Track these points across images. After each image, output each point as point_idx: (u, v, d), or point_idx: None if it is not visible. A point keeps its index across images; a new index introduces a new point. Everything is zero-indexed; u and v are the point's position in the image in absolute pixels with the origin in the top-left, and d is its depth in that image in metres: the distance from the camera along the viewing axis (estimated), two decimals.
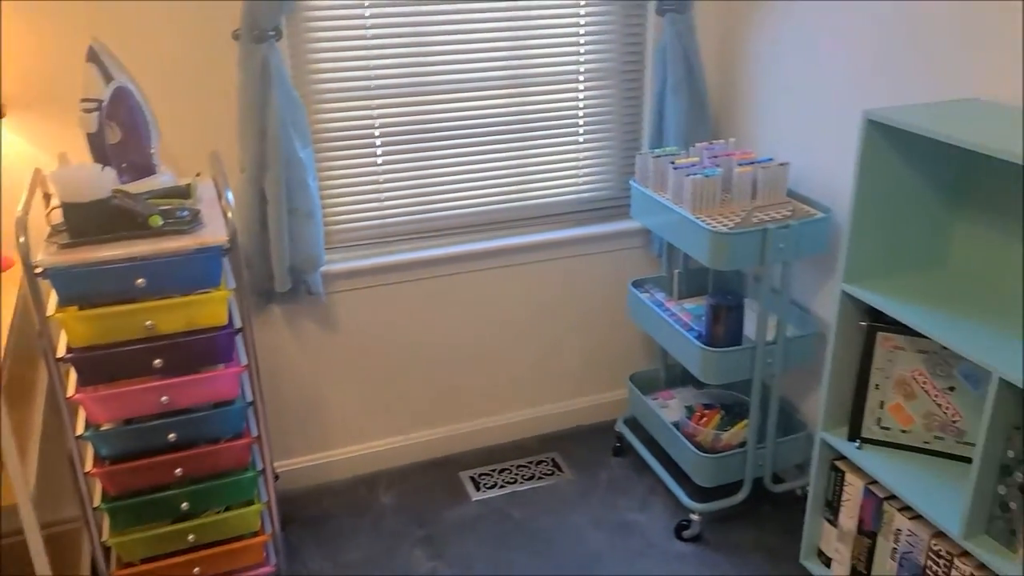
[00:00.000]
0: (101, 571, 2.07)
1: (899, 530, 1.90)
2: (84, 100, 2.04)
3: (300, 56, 2.40)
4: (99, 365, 1.89)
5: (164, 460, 1.99)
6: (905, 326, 1.85)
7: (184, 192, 2.03)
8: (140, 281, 1.85)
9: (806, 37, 2.39)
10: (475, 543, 2.52)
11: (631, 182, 2.55)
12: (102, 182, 1.84)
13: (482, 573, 2.40)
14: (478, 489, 2.76)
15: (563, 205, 2.81)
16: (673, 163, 2.38)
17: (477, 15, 2.50)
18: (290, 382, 2.66)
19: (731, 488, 2.50)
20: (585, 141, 2.76)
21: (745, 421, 2.50)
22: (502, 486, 2.77)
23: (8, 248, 2.12)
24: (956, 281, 1.93)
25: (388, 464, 2.87)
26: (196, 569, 2.11)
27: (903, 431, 1.96)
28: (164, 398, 1.94)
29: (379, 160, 2.57)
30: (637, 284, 2.72)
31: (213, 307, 1.93)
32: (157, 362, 1.91)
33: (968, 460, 1.90)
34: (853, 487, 2.02)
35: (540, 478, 2.80)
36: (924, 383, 1.90)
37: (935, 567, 1.82)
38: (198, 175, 2.29)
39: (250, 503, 2.14)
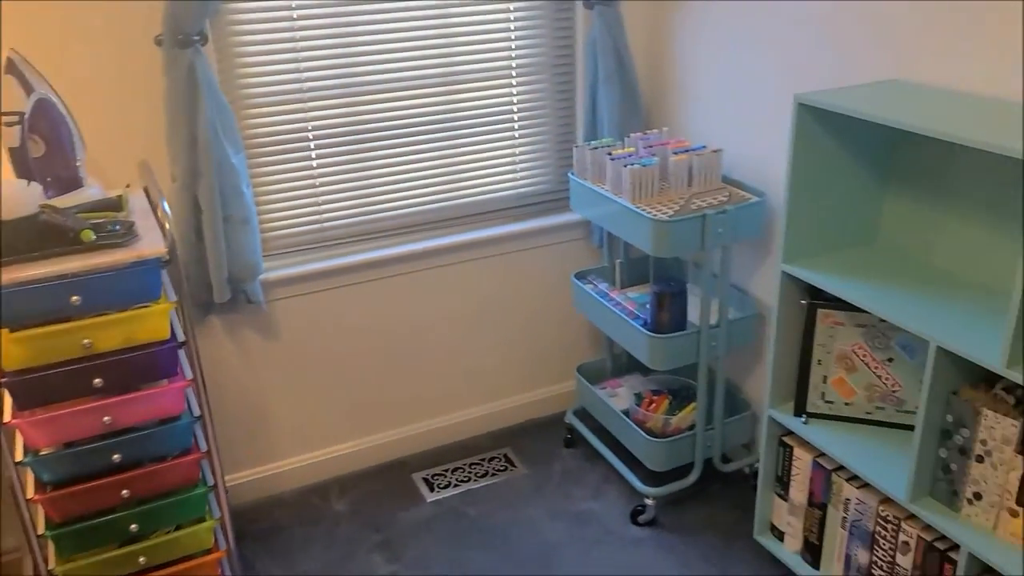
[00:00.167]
0: None
1: (848, 499, 1.97)
2: (4, 114, 1.95)
3: (227, 60, 2.34)
4: (35, 388, 1.81)
5: (110, 482, 1.92)
6: (843, 302, 1.92)
7: (115, 204, 1.96)
8: (75, 299, 1.78)
9: (731, 27, 2.44)
10: (433, 544, 2.51)
11: (569, 175, 2.57)
12: (28, 198, 1.77)
13: (441, 573, 2.39)
14: (432, 490, 2.74)
15: (502, 201, 2.82)
16: (610, 154, 2.41)
17: (407, 13, 2.49)
18: (233, 394, 2.60)
19: (682, 471, 2.55)
20: (520, 136, 2.77)
21: (693, 404, 2.55)
22: (456, 485, 2.76)
23: None
24: (887, 256, 2.01)
25: (339, 471, 2.83)
26: None
27: (846, 403, 2.03)
28: (107, 418, 1.87)
29: (314, 163, 2.53)
30: (580, 276, 2.74)
31: (154, 321, 1.87)
32: (97, 381, 1.84)
33: (909, 428, 1.98)
34: (802, 461, 2.08)
35: (493, 474, 2.81)
36: (864, 356, 1.97)
37: (884, 532, 1.89)
38: (128, 186, 2.21)
39: (202, 520, 2.09)
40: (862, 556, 1.97)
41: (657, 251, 2.21)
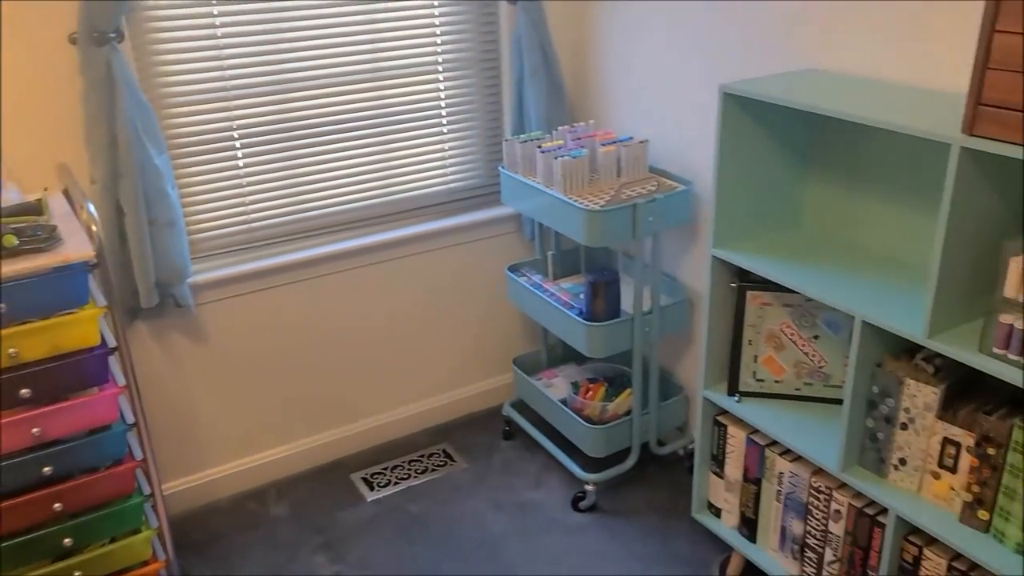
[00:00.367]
0: None
1: (781, 473, 2.05)
2: None
3: (146, 58, 2.28)
4: None
5: (41, 496, 1.84)
6: (771, 283, 1.99)
7: (36, 208, 1.89)
8: None
9: (653, 22, 2.50)
10: (376, 542, 2.49)
11: (500, 168, 2.59)
12: None
13: (387, 570, 2.38)
14: (372, 489, 2.73)
15: (433, 197, 2.82)
16: (540, 147, 2.44)
17: (332, 9, 2.46)
18: (163, 401, 2.53)
19: (620, 456, 2.60)
20: (449, 132, 2.78)
21: (629, 390, 2.61)
22: (396, 483, 2.75)
23: None
24: (811, 237, 2.10)
25: (276, 475, 2.79)
26: None
27: (776, 381, 2.11)
28: (35, 430, 1.80)
29: (241, 162, 2.48)
30: (513, 269, 2.77)
31: (82, 327, 1.81)
32: (24, 392, 1.77)
33: (836, 401, 2.07)
34: (736, 439, 2.15)
35: (433, 470, 2.81)
36: (792, 334, 2.05)
37: (816, 502, 1.97)
38: (46, 189, 2.13)
39: (138, 531, 2.03)
40: (796, 527, 2.05)
41: (591, 241, 2.25)
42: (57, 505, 1.87)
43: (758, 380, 2.12)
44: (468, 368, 3.05)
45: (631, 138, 2.49)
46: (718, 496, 2.27)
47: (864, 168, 1.98)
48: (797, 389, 2.10)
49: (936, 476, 1.73)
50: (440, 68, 2.70)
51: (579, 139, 2.50)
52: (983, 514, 1.65)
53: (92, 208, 1.85)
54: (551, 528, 2.52)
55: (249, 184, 2.51)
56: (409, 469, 2.82)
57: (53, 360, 1.80)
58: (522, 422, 2.85)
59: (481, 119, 2.83)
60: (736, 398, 2.13)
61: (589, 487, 2.57)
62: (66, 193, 2.09)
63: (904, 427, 1.76)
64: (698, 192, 2.49)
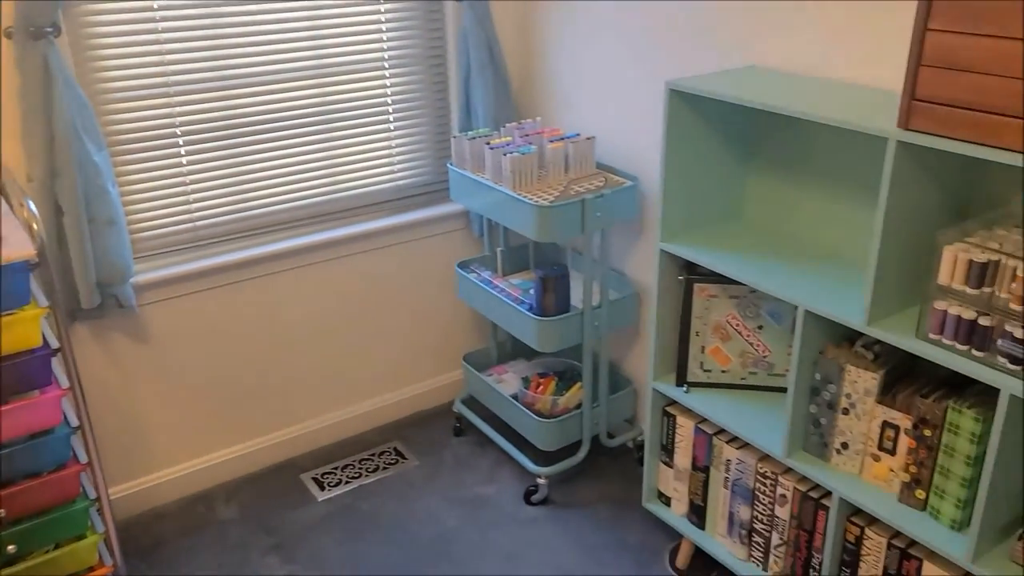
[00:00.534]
0: None
1: (729, 460, 2.10)
2: None
3: (83, 53, 2.22)
4: None
5: None
6: (717, 275, 2.04)
7: None
8: None
9: (598, 21, 2.54)
10: (328, 542, 2.48)
11: (448, 165, 2.60)
12: None
13: (340, 568, 2.37)
14: (323, 489, 2.71)
15: (381, 194, 2.81)
16: (488, 144, 2.45)
17: (275, 4, 2.44)
18: (105, 404, 2.47)
19: (571, 449, 2.63)
20: (396, 128, 2.77)
21: (579, 384, 2.64)
22: (347, 482, 2.74)
23: None
24: (754, 230, 2.16)
25: (223, 478, 2.74)
26: None
27: (723, 371, 2.16)
28: None
29: (184, 160, 2.44)
30: (462, 265, 2.78)
31: (23, 329, 1.76)
32: None
33: (780, 389, 2.13)
34: (685, 428, 2.20)
35: (384, 468, 2.80)
36: (737, 325, 2.11)
37: (763, 487, 2.03)
38: None
39: (83, 537, 1.98)
40: (744, 512, 2.10)
41: (540, 236, 2.28)
42: (0, 511, 1.82)
43: (705, 371, 2.17)
44: (418, 366, 3.05)
45: (578, 135, 2.52)
46: (668, 485, 2.31)
47: (804, 162, 2.04)
48: (743, 378, 2.16)
49: (876, 458, 1.80)
50: (386, 65, 2.69)
51: (527, 136, 2.52)
52: (920, 493, 1.72)
53: (32, 206, 1.80)
54: (504, 522, 2.54)
55: (192, 182, 2.47)
56: (360, 468, 2.80)
57: None
58: (473, 418, 2.86)
59: (428, 116, 2.83)
60: (684, 389, 2.18)
61: (541, 480, 2.59)
62: (2, 191, 2.03)
63: (845, 412, 1.82)
64: (644, 188, 2.53)
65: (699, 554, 2.35)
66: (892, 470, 1.78)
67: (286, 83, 2.53)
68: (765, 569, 2.10)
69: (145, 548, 2.46)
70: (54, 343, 1.84)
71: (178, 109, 2.38)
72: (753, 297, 2.08)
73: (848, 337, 1.86)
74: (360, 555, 2.42)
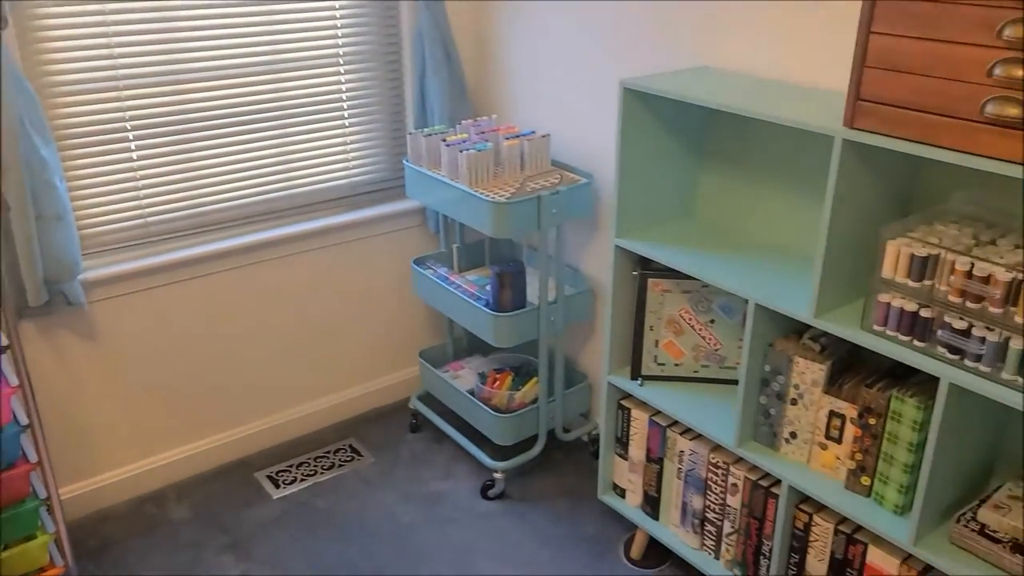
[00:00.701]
0: None
1: (682, 451, 2.15)
2: None
3: (30, 45, 2.18)
4: None
5: None
6: (671, 270, 2.09)
7: None
8: None
9: (552, 20, 2.57)
10: (284, 539, 2.46)
11: (404, 162, 2.60)
12: None
13: (296, 566, 2.36)
14: (278, 487, 2.69)
15: (336, 190, 2.80)
16: (444, 140, 2.46)
17: None
18: (53, 403, 2.42)
19: (527, 443, 2.66)
20: (351, 125, 2.77)
21: (535, 379, 2.67)
22: (302, 480, 2.72)
23: None
24: (706, 226, 2.21)
25: (175, 477, 2.71)
26: None
27: (676, 364, 2.21)
28: None
29: (134, 155, 2.40)
30: (418, 262, 2.78)
31: None
32: None
33: (731, 382, 2.19)
34: (639, 421, 2.24)
35: (340, 465, 2.79)
36: (690, 319, 2.15)
37: (715, 477, 2.08)
38: None
39: (34, 537, 1.94)
40: (696, 502, 2.15)
41: (497, 232, 2.30)
42: None
43: (659, 364, 2.22)
44: (374, 362, 3.05)
45: (534, 132, 2.55)
46: (622, 477, 2.35)
47: (754, 160, 2.10)
48: (696, 371, 2.21)
49: (823, 447, 1.86)
50: (342, 61, 2.68)
51: (483, 133, 2.54)
52: (865, 480, 1.78)
53: None
54: (461, 517, 2.55)
55: (143, 177, 2.44)
56: (315, 465, 2.79)
57: None
58: (429, 414, 2.86)
59: (384, 113, 2.83)
60: (639, 382, 2.22)
61: (497, 475, 2.61)
62: None
63: (794, 402, 1.88)
64: (599, 185, 2.57)
65: (653, 544, 2.40)
66: (838, 458, 1.84)
67: (240, 78, 2.51)
68: (717, 557, 2.15)
69: (95, 549, 2.42)
70: (2, 340, 1.81)
71: (128, 103, 2.35)
72: (705, 292, 2.12)
73: (796, 330, 1.92)
74: (316, 552, 2.42)
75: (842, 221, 1.66)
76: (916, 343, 1.58)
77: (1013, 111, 1.31)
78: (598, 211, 2.61)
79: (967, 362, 1.51)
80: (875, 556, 1.77)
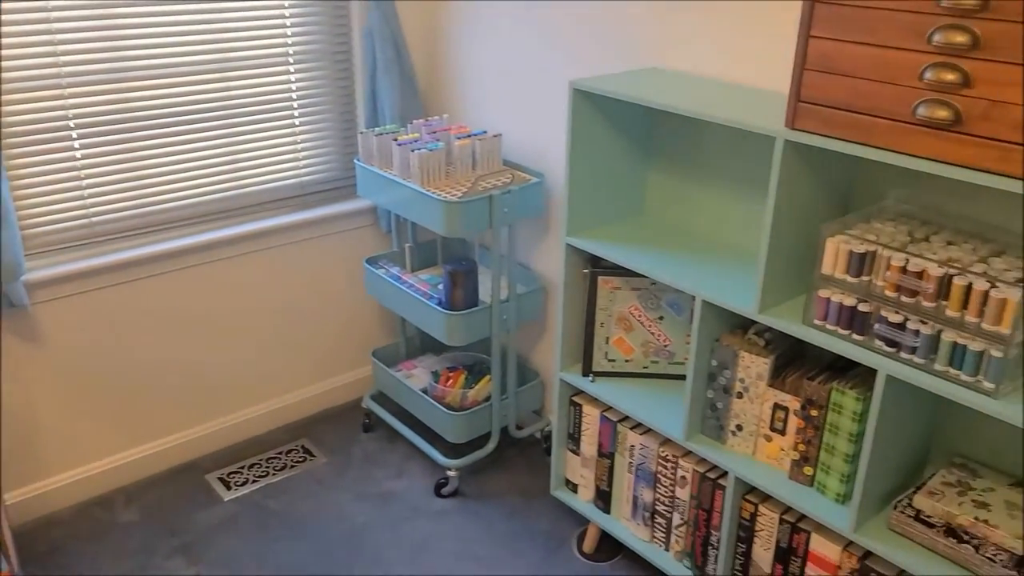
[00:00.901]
0: None
1: (632, 446, 2.19)
2: None
3: None
4: None
5: None
6: (620, 268, 2.13)
7: None
8: None
9: (503, 20, 2.59)
10: (236, 541, 2.44)
11: (355, 161, 2.60)
12: None
13: (248, 568, 2.34)
14: (229, 488, 2.66)
15: (285, 190, 2.79)
16: (396, 140, 2.47)
17: None
18: None
19: (480, 441, 2.68)
20: (301, 124, 2.76)
21: (487, 377, 2.69)
22: (254, 481, 2.70)
23: None
24: (654, 225, 2.25)
25: (123, 481, 2.67)
26: None
27: (626, 360, 2.25)
28: None
29: (78, 154, 2.36)
30: (371, 261, 2.78)
31: None
32: None
33: (679, 377, 2.23)
34: (591, 416, 2.28)
35: (292, 466, 2.78)
36: (639, 316, 2.19)
37: (664, 470, 2.12)
38: None
39: None
40: (647, 495, 2.20)
41: (449, 231, 2.31)
42: None
43: (610, 360, 2.25)
44: (326, 363, 3.04)
45: (485, 132, 2.56)
46: (575, 472, 2.39)
47: (701, 160, 2.14)
48: (645, 367, 2.25)
49: (768, 439, 1.91)
50: (291, 60, 2.67)
51: (434, 132, 2.55)
52: (808, 470, 1.84)
53: None
54: (415, 515, 2.56)
55: (88, 176, 2.40)
56: (267, 467, 2.77)
57: None
58: (382, 413, 2.86)
59: (334, 112, 2.82)
60: (590, 378, 2.25)
61: (451, 473, 2.62)
62: None
63: (740, 396, 1.93)
64: (550, 184, 2.60)
65: (605, 538, 2.44)
66: (783, 449, 1.89)
67: (186, 76, 2.48)
68: (667, 549, 2.20)
69: (42, 554, 2.37)
70: None
71: (71, 101, 2.31)
72: (654, 289, 2.17)
73: (742, 325, 1.97)
74: (269, 553, 2.40)
75: (784, 219, 1.71)
76: (855, 337, 1.63)
77: (942, 113, 1.37)
78: (549, 210, 2.64)
79: (902, 354, 1.57)
80: (818, 544, 1.83)
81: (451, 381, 2.71)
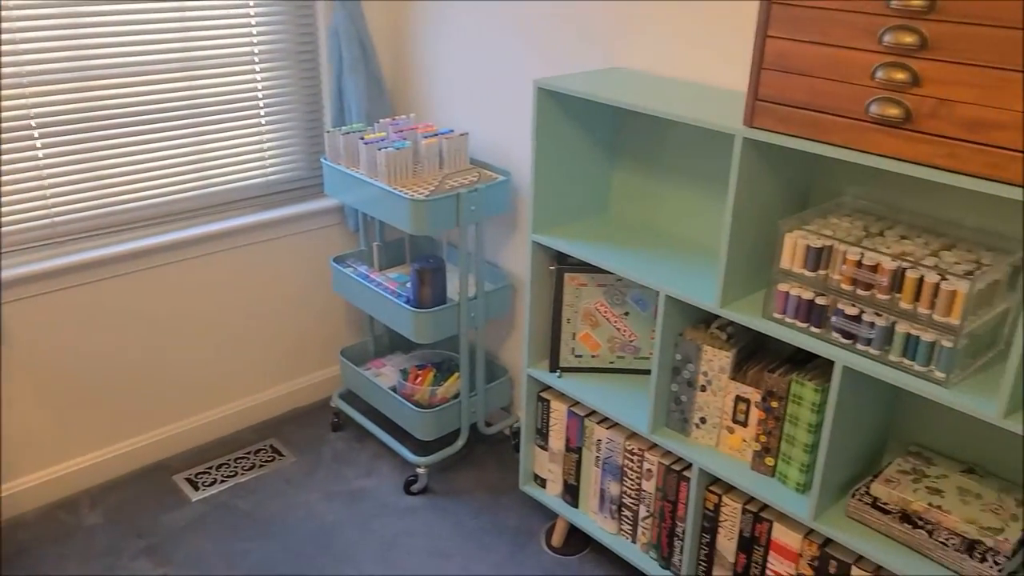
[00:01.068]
0: None
1: (599, 440, 2.22)
2: None
3: None
4: None
5: None
6: (586, 265, 2.15)
7: None
8: None
9: (470, 19, 2.61)
10: (205, 541, 2.43)
11: (322, 160, 2.60)
12: None
13: (217, 568, 2.34)
14: (196, 489, 2.65)
15: (252, 189, 2.78)
16: (363, 139, 2.48)
17: None
18: None
19: (450, 438, 2.69)
20: (267, 123, 2.75)
21: (456, 374, 2.70)
22: (222, 481, 2.69)
23: None
24: (619, 222, 2.28)
25: (89, 482, 2.64)
26: None
27: (593, 356, 2.28)
28: None
29: (40, 153, 2.34)
30: (338, 260, 2.79)
31: None
32: None
33: (645, 372, 2.27)
34: (558, 412, 2.30)
35: (261, 466, 2.77)
36: (605, 312, 2.22)
37: (631, 463, 2.16)
38: None
39: None
40: (613, 488, 2.23)
41: (416, 229, 2.33)
42: None
43: (577, 356, 2.28)
44: (294, 362, 3.03)
45: (452, 131, 2.58)
46: (543, 467, 2.41)
47: (664, 158, 2.18)
48: (611, 362, 2.28)
49: (731, 431, 1.95)
50: (256, 59, 2.67)
51: (401, 131, 2.56)
52: (769, 461, 1.88)
53: None
54: (384, 513, 2.57)
55: (50, 176, 2.37)
56: (236, 467, 2.77)
57: None
58: (352, 412, 2.87)
59: (300, 111, 2.82)
60: (557, 374, 2.28)
61: (420, 470, 2.64)
62: None
63: (703, 389, 1.97)
64: (516, 182, 2.62)
65: (573, 531, 2.46)
66: (745, 440, 1.93)
67: (151, 75, 2.47)
68: (634, 541, 2.23)
69: (7, 557, 2.35)
70: None
71: (32, 100, 2.29)
72: (619, 285, 2.20)
73: (705, 320, 2.01)
74: (238, 552, 2.40)
75: (744, 215, 1.75)
76: (812, 329, 1.68)
77: (894, 111, 1.42)
78: (516, 208, 2.66)
79: (858, 346, 1.61)
80: (779, 532, 1.87)
81: (420, 379, 2.73)
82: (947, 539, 1.62)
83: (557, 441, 2.34)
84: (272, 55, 2.69)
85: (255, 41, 2.64)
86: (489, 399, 2.74)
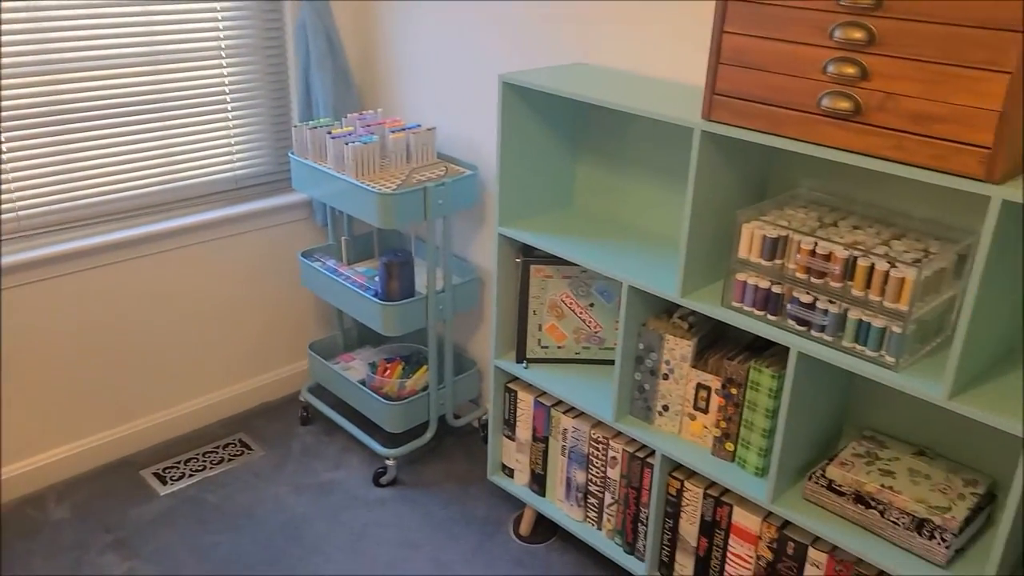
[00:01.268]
0: None
1: (565, 429, 2.26)
2: None
3: None
4: None
5: None
6: (551, 257, 2.19)
7: None
8: None
9: (437, 14, 2.64)
10: (173, 535, 2.44)
11: (289, 154, 2.61)
12: None
13: (185, 562, 2.34)
14: (164, 483, 2.65)
15: (219, 183, 2.78)
16: (330, 133, 2.49)
17: None
18: None
19: (418, 431, 2.72)
20: (235, 117, 2.75)
21: (425, 367, 2.73)
22: (191, 475, 2.69)
23: None
24: (583, 215, 2.32)
25: (55, 478, 2.63)
26: None
27: (559, 347, 2.31)
28: None
29: (3, 147, 2.33)
30: (306, 255, 2.80)
31: None
32: None
33: (609, 362, 2.31)
34: (525, 402, 2.34)
35: (230, 460, 2.78)
36: (570, 303, 2.26)
37: (596, 452, 2.20)
38: None
39: None
40: (579, 476, 2.27)
41: (384, 223, 2.35)
42: None
43: (543, 347, 2.32)
44: (263, 356, 3.04)
45: (419, 125, 2.60)
46: (510, 457, 2.45)
47: (626, 151, 2.22)
48: (577, 353, 2.32)
49: (692, 417, 2.00)
50: (224, 53, 2.67)
51: (368, 126, 2.58)
52: (729, 446, 1.93)
53: None
54: (353, 505, 2.59)
55: (13, 169, 2.36)
56: (204, 461, 2.77)
57: None
58: (320, 406, 2.88)
59: (268, 105, 2.83)
60: (524, 365, 2.32)
61: (389, 462, 2.66)
62: None
63: (665, 377, 2.01)
64: (483, 176, 2.65)
65: (541, 520, 2.50)
66: (706, 427, 1.98)
67: (117, 69, 2.46)
68: (600, 528, 2.27)
69: None
70: None
71: None
72: (584, 276, 2.24)
73: (667, 309, 2.05)
74: (207, 546, 2.40)
75: (703, 207, 1.79)
76: (769, 317, 1.73)
77: (844, 104, 1.47)
78: (483, 202, 2.69)
79: (813, 332, 1.66)
80: (739, 516, 1.92)
81: (388, 372, 2.75)
82: (898, 518, 1.67)
83: (524, 431, 2.37)
84: (239, 49, 2.70)
85: (222, 35, 2.65)
86: (457, 391, 2.77)
